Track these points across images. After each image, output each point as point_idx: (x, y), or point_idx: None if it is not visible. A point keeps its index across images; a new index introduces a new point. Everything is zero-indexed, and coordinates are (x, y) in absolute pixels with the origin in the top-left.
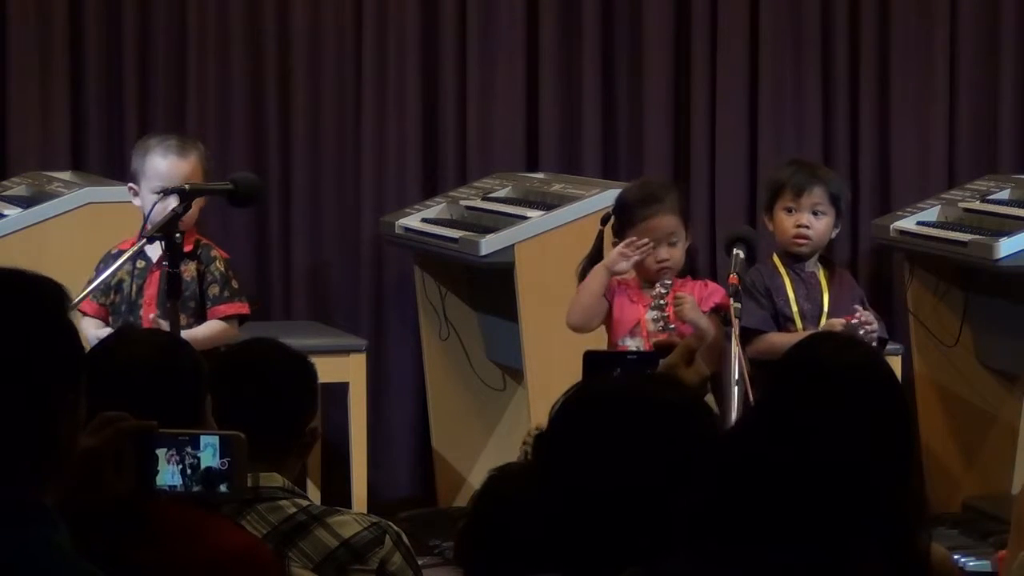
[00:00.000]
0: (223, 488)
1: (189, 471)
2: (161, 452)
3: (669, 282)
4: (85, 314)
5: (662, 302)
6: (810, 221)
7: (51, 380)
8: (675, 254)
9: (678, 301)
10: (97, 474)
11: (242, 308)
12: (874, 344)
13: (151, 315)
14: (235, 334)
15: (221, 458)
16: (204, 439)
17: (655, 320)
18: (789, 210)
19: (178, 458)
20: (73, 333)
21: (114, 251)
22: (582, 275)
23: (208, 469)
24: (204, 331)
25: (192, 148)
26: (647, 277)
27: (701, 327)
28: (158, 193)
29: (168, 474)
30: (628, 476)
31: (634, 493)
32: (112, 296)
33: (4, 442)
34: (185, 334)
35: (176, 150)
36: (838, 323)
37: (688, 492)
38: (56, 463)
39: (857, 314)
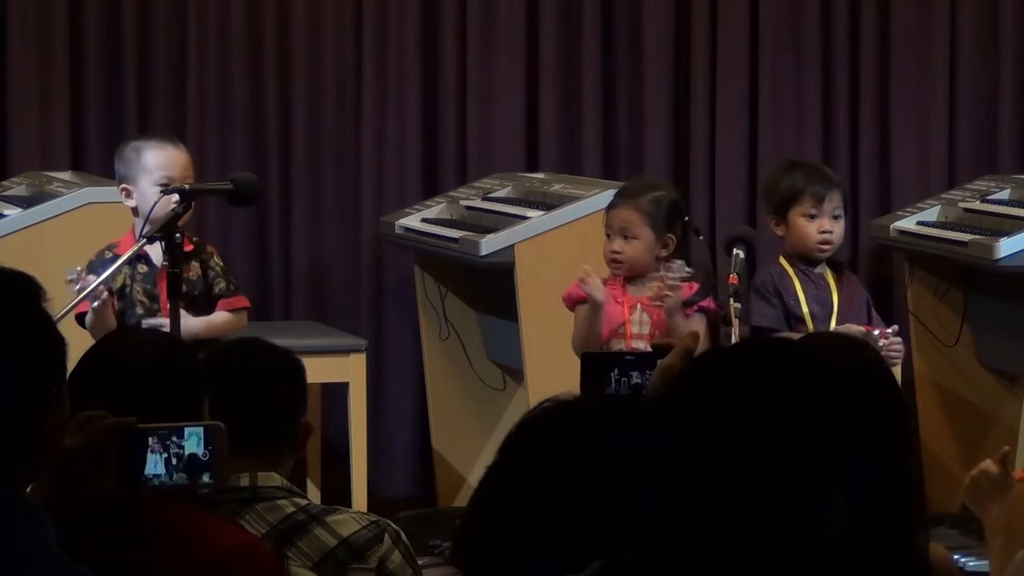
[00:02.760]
0: (206, 478)
1: (174, 460)
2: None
3: (689, 270)
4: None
5: (675, 284)
6: (831, 226)
7: (33, 374)
8: (628, 249)
9: (671, 289)
10: (79, 473)
11: (246, 301)
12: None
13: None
14: (244, 326)
15: (205, 448)
16: (188, 429)
17: (657, 301)
18: (811, 216)
19: (162, 447)
20: (50, 327)
21: (109, 255)
22: None
23: (192, 457)
24: (219, 319)
25: (177, 140)
26: (608, 266)
27: (675, 322)
28: (162, 185)
29: (151, 464)
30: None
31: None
32: (115, 302)
33: None
34: (202, 320)
35: (169, 141)
36: (855, 329)
37: (664, 485)
38: (41, 459)
39: (887, 332)
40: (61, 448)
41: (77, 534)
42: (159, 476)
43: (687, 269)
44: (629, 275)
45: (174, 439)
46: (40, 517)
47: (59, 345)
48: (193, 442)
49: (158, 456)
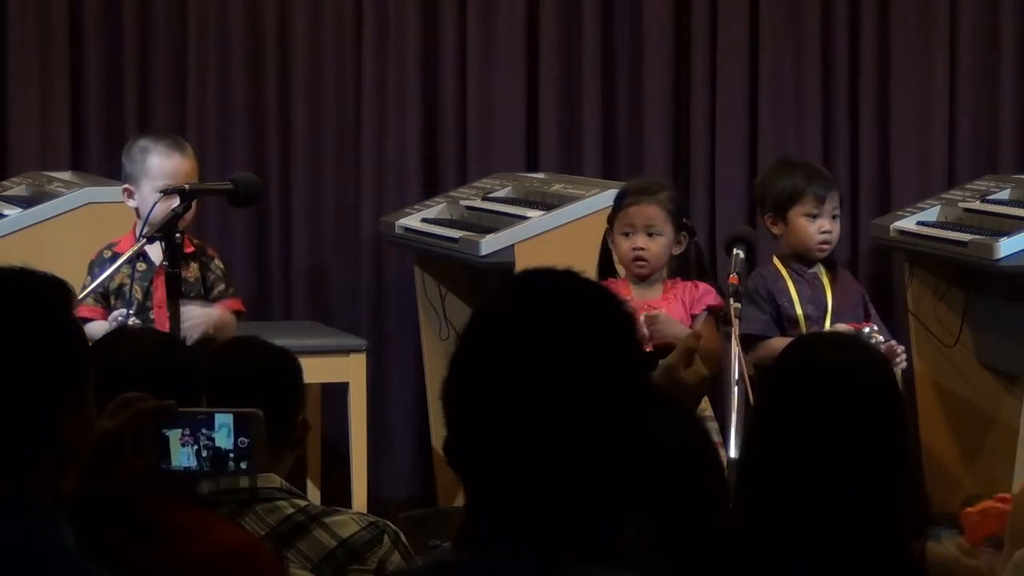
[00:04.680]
0: (243, 465)
1: (204, 452)
2: (175, 434)
3: (659, 313)
4: (89, 319)
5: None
6: (831, 226)
7: (54, 378)
8: (653, 246)
9: (651, 320)
10: (115, 456)
11: (241, 305)
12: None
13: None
14: (234, 328)
15: (237, 437)
16: (219, 419)
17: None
18: (812, 217)
19: (192, 439)
20: (77, 331)
21: (108, 255)
22: (600, 272)
23: (218, 450)
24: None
25: (186, 145)
26: (625, 267)
27: (679, 334)
28: (162, 192)
29: (183, 456)
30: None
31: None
32: (114, 302)
33: (7, 440)
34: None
35: (177, 148)
36: (844, 329)
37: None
38: (60, 462)
39: (869, 331)
40: (96, 434)
41: (92, 532)
42: (190, 468)
43: (652, 312)
44: (650, 275)
45: (204, 431)
46: (58, 518)
47: (82, 350)
48: (223, 434)
49: (189, 448)
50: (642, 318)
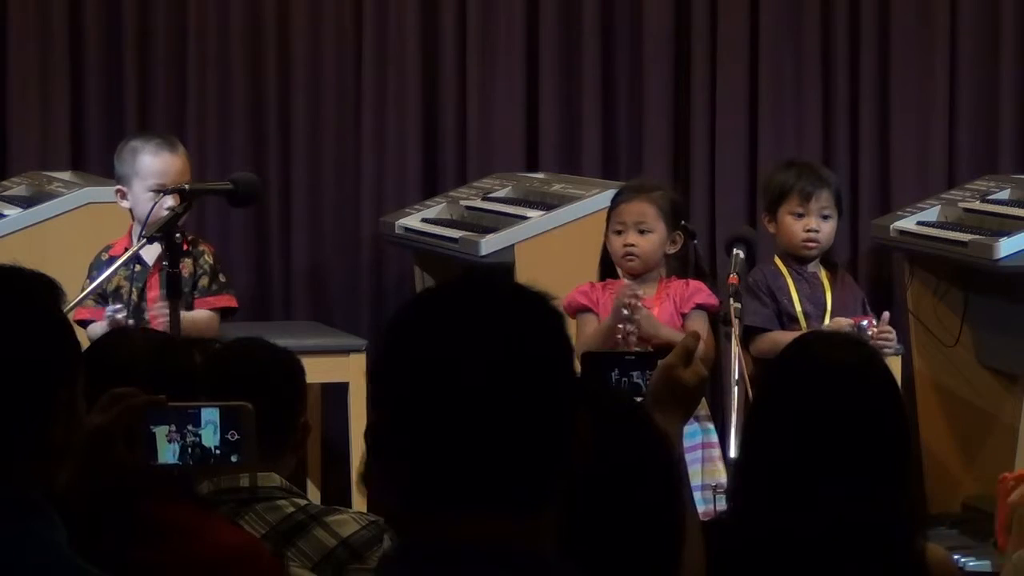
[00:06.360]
0: (233, 459)
1: (190, 449)
2: (161, 431)
3: (640, 293)
4: (90, 321)
5: (628, 313)
6: (819, 225)
7: (44, 377)
8: (643, 243)
9: (634, 310)
10: (107, 451)
11: (230, 301)
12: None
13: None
14: (216, 327)
15: (226, 432)
16: (205, 415)
17: (629, 333)
18: (798, 215)
19: (178, 436)
20: (67, 330)
21: (105, 257)
22: (602, 273)
23: (203, 446)
24: (189, 316)
25: (178, 143)
26: (618, 264)
27: (662, 338)
28: (156, 191)
29: (169, 452)
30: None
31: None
32: (112, 303)
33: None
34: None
35: (166, 146)
36: (844, 323)
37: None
38: (50, 461)
39: (873, 321)
40: (88, 428)
41: (87, 532)
42: (177, 466)
43: (637, 290)
44: (642, 271)
45: (190, 427)
46: (52, 517)
47: (71, 348)
48: (209, 431)
49: (175, 445)
50: (623, 300)
